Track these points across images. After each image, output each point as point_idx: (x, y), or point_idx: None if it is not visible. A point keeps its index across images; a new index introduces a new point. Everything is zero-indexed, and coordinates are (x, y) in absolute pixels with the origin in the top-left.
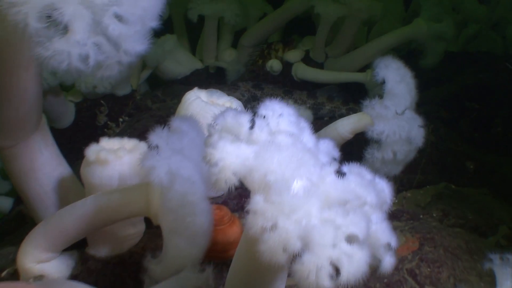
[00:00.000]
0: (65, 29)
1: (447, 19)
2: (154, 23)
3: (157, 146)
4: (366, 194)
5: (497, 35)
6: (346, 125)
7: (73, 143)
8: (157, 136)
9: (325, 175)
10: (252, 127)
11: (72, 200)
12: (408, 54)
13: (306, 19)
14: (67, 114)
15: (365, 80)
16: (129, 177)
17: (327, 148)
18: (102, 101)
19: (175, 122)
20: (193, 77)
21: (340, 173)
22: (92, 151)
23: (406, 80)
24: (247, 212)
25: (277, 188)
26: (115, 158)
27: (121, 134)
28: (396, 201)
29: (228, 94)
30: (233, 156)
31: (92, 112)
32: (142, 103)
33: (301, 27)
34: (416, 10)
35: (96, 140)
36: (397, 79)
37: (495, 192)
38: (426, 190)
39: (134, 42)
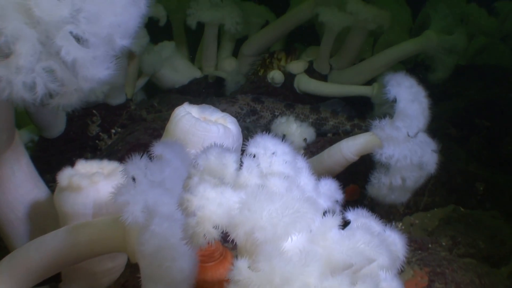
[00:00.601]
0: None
1: (459, 31)
2: (125, 41)
3: (133, 178)
4: (377, 255)
5: (506, 47)
6: (352, 146)
7: (63, 154)
8: (134, 166)
9: (327, 230)
10: (240, 167)
11: (49, 228)
12: (415, 67)
13: (309, 28)
14: (58, 123)
15: (371, 94)
16: (105, 205)
17: (329, 190)
18: (94, 111)
19: (157, 148)
20: (191, 87)
21: (344, 221)
22: (65, 176)
23: (419, 99)
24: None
25: (267, 250)
26: (90, 184)
27: (112, 146)
28: (403, 227)
29: (226, 108)
30: (214, 204)
31: (83, 122)
32: (137, 113)
33: (304, 36)
34: (425, 22)
35: (87, 151)
36: (410, 98)
37: (506, 215)
38: (434, 213)
39: (96, 67)
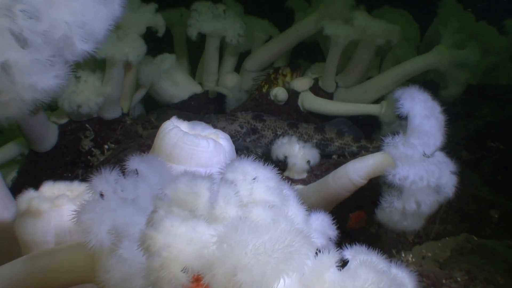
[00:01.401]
0: None
1: (472, 45)
2: (88, 45)
3: (101, 194)
4: None
5: None
6: (360, 169)
7: (53, 169)
8: (102, 180)
9: (323, 270)
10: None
11: (17, 255)
12: (424, 86)
13: (313, 45)
14: (49, 137)
15: (379, 113)
16: (69, 232)
17: (322, 226)
18: (87, 125)
19: (131, 162)
20: (191, 102)
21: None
22: (24, 198)
23: (435, 115)
24: None
25: None
26: (51, 207)
27: (104, 163)
28: (414, 259)
29: (225, 126)
30: (183, 241)
31: (76, 136)
32: (132, 128)
33: (308, 53)
34: (434, 38)
35: (79, 167)
36: (425, 113)
37: None
38: (445, 243)
39: (38, 73)
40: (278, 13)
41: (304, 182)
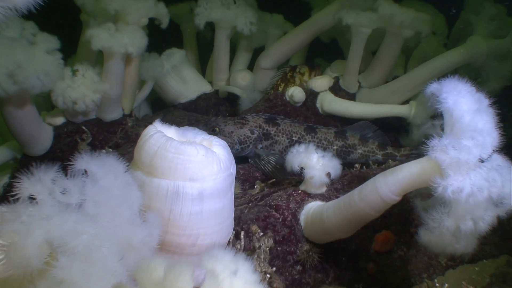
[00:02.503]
0: None
1: None
2: None
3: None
4: None
5: None
6: (393, 184)
7: None
8: (34, 180)
9: None
10: None
11: None
12: None
13: (330, 43)
14: (43, 139)
15: (409, 114)
16: None
17: None
18: (83, 127)
19: (79, 161)
20: (199, 102)
21: None
22: None
23: (485, 109)
24: None
25: None
26: None
27: None
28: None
29: (233, 130)
30: None
31: (72, 139)
32: (134, 131)
33: (326, 51)
34: (462, 32)
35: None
36: (475, 107)
37: None
38: (483, 266)
39: None
40: (293, 9)
41: (323, 197)
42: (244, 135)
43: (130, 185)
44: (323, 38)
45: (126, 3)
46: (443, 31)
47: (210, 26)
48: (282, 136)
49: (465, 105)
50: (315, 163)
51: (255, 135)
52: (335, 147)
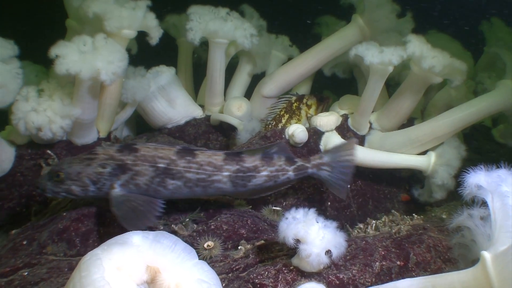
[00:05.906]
0: None
1: None
2: None
3: None
4: None
5: None
6: None
7: (3, 201)
8: None
9: None
10: None
11: None
12: (472, 133)
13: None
14: (1, 160)
15: (426, 168)
16: None
17: None
18: (49, 151)
19: None
20: (187, 129)
21: None
22: None
23: None
24: None
25: None
26: None
27: (57, 206)
28: None
29: (79, 171)
30: None
31: (35, 163)
32: None
33: (335, 82)
34: (490, 67)
35: (35, 201)
36: None
37: None
38: None
39: None
40: (300, 30)
41: (320, 278)
42: (95, 172)
43: None
44: (326, 71)
45: (108, 8)
46: (471, 73)
47: (206, 45)
48: (143, 165)
49: None
50: (314, 237)
51: (108, 169)
52: (226, 174)
